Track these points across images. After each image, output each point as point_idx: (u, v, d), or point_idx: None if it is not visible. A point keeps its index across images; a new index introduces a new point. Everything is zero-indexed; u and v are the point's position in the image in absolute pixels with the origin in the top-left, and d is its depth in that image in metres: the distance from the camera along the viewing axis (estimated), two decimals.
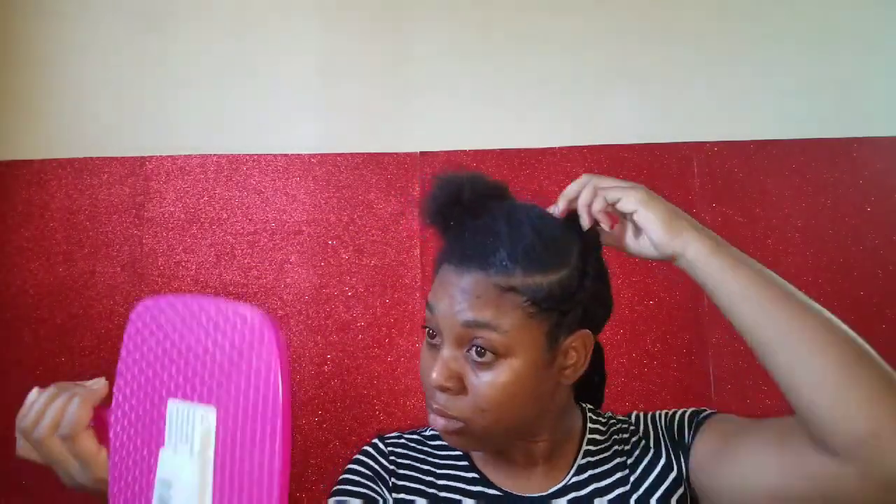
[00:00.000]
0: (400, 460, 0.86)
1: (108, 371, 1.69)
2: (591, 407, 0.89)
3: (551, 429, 0.80)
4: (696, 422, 0.80)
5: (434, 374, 0.73)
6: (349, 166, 1.71)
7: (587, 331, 0.76)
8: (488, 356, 0.71)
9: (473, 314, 0.72)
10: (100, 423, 0.63)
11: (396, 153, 1.72)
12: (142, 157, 1.73)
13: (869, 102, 1.72)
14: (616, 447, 0.83)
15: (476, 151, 1.71)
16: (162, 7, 1.79)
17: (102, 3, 1.80)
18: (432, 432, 0.89)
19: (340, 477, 0.86)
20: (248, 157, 1.72)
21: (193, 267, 1.68)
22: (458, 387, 0.73)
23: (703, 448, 0.77)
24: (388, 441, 0.88)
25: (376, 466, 0.85)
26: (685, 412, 0.82)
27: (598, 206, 0.74)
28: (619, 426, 0.86)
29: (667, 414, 0.85)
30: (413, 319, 1.64)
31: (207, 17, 1.79)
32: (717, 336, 1.63)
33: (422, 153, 1.72)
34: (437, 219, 0.79)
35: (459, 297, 0.73)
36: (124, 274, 1.68)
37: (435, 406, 0.75)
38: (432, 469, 0.84)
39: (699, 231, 0.72)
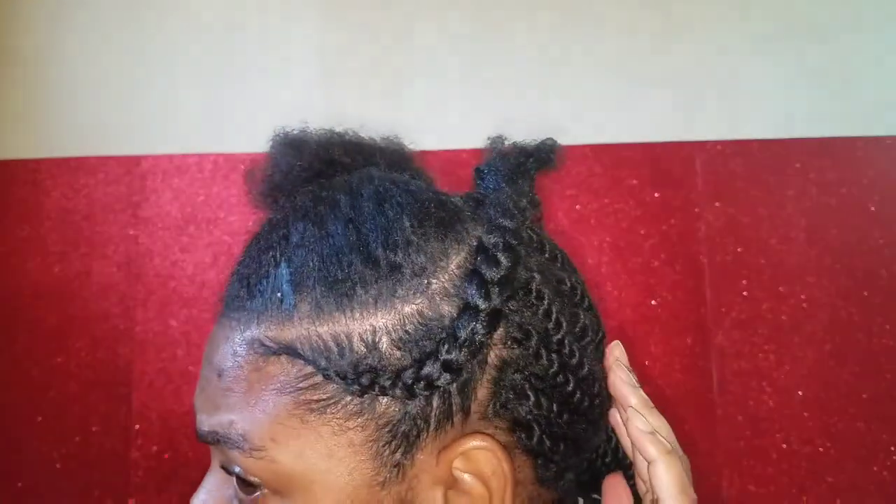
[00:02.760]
0: None
1: (102, 372, 1.68)
2: None
3: None
4: None
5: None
6: None
7: (486, 440, 0.39)
8: (255, 492, 0.39)
9: (201, 417, 0.42)
10: None
11: None
12: (137, 156, 1.71)
13: (873, 101, 1.70)
14: None
15: (476, 150, 1.69)
16: (157, 4, 1.78)
17: (96, 0, 1.79)
18: None
19: None
20: (245, 156, 1.71)
21: (190, 267, 1.66)
22: None
23: None
24: None
25: None
26: None
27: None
28: None
29: None
30: None
31: (203, 14, 1.78)
32: (721, 338, 1.61)
33: (421, 152, 1.70)
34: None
35: (201, 376, 0.43)
36: (120, 274, 1.67)
37: None
38: None
39: None
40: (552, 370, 0.40)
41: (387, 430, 0.37)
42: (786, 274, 1.63)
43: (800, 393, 1.59)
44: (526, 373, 0.40)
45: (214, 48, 1.77)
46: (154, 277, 1.66)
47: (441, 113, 1.74)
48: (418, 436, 0.37)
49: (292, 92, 1.75)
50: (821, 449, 1.56)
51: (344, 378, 0.36)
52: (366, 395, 0.36)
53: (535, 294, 0.40)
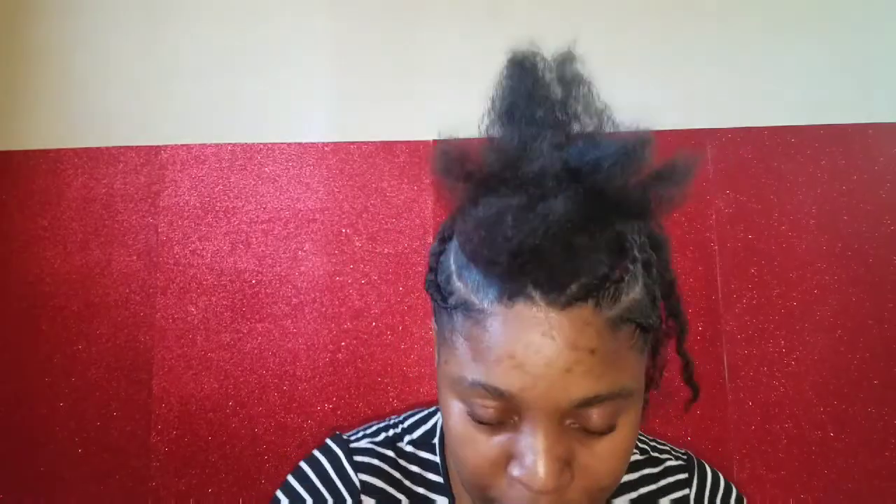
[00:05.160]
0: (372, 499, 0.67)
1: (123, 358, 1.70)
2: None
3: None
4: None
5: (542, 477, 0.48)
6: (362, 154, 1.72)
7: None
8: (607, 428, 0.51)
9: (602, 384, 0.49)
10: None
11: (409, 141, 1.72)
12: (157, 147, 1.74)
13: (884, 88, 1.70)
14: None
15: (484, 140, 1.71)
16: None
17: None
18: (410, 445, 0.71)
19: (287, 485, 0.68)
20: (262, 146, 1.73)
21: (208, 255, 1.69)
22: (569, 477, 0.50)
23: None
24: (359, 461, 0.68)
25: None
26: None
27: None
28: (663, 481, 0.72)
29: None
30: (426, 307, 1.65)
31: (220, 6, 1.80)
32: (731, 324, 1.62)
33: (434, 141, 1.71)
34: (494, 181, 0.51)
35: (569, 362, 0.47)
36: (140, 262, 1.69)
37: None
38: None
39: None
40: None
41: (650, 345, 0.55)
42: (796, 260, 1.64)
43: (810, 379, 1.59)
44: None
45: (232, 40, 1.79)
46: (173, 265, 1.69)
47: (453, 103, 1.75)
48: (651, 346, 0.56)
49: (307, 84, 1.77)
50: (831, 434, 1.57)
51: (645, 326, 0.51)
52: (649, 332, 0.53)
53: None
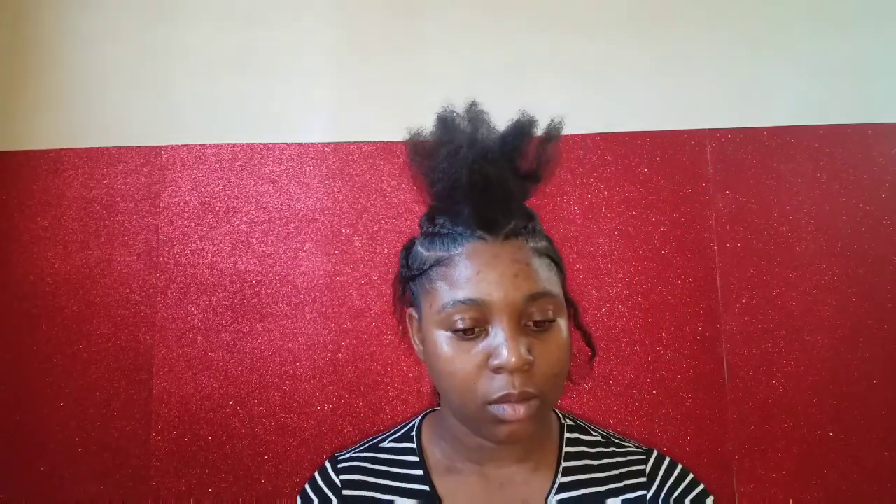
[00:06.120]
0: (354, 492, 0.83)
1: (123, 358, 1.70)
2: (570, 415, 0.88)
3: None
4: None
5: (511, 358, 0.67)
6: (362, 155, 1.72)
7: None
8: (549, 320, 0.71)
9: (539, 284, 0.71)
10: None
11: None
12: (157, 147, 1.74)
13: (883, 88, 1.70)
14: (612, 485, 0.81)
15: None
16: (179, 1, 1.80)
17: None
18: (390, 442, 0.87)
19: None
20: (262, 146, 1.73)
21: (209, 255, 1.69)
22: (532, 360, 0.69)
23: None
24: (342, 466, 0.85)
25: None
26: None
27: None
28: (621, 458, 0.83)
29: (685, 488, 0.82)
30: None
31: (221, 6, 1.80)
32: (731, 324, 1.62)
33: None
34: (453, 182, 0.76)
35: (515, 270, 0.71)
36: (140, 262, 1.70)
37: (515, 393, 0.68)
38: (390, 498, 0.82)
39: None
40: None
41: (563, 278, 0.79)
42: (796, 260, 1.64)
43: (810, 379, 1.60)
44: None
45: (233, 41, 1.79)
46: (174, 265, 1.69)
47: (449, 104, 1.74)
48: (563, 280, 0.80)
49: (307, 85, 1.77)
50: (831, 434, 1.57)
51: (555, 260, 0.77)
52: (559, 265, 0.79)
53: None
